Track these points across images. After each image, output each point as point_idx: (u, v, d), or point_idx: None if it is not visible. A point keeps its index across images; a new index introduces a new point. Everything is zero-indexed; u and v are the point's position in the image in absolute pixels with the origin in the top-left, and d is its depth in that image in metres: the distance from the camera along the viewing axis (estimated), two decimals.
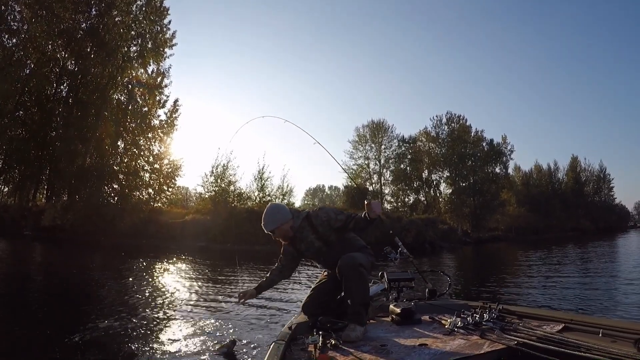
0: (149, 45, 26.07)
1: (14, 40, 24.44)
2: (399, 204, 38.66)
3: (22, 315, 4.97)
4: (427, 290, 2.97)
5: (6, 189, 27.59)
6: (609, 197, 60.67)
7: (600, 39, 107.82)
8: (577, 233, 43.32)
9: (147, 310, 5.33)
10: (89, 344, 3.76)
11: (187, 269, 11.11)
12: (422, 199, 38.94)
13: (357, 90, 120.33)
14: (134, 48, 26.04)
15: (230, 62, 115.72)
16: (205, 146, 76.79)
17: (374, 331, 2.36)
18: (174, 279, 8.81)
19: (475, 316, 2.27)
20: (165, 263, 12.18)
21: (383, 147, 38.72)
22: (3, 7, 23.67)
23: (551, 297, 6.91)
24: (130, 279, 8.25)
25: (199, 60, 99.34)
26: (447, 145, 37.34)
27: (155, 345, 3.83)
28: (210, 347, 3.65)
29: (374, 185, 38.35)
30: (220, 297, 6.46)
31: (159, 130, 26.04)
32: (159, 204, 25.33)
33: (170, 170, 25.86)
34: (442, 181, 38.48)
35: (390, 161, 38.87)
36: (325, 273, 2.81)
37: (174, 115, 26.49)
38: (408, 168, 38.71)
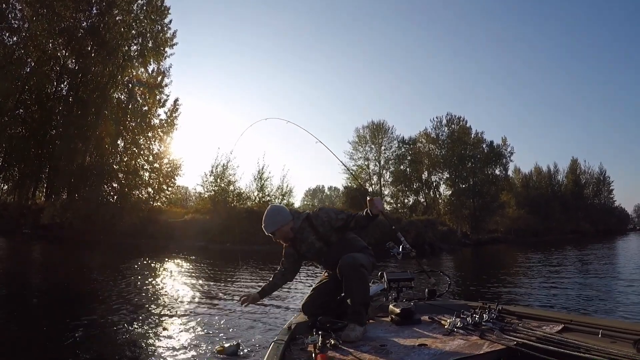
0: (150, 45, 26.07)
1: (15, 39, 24.40)
2: (399, 205, 38.67)
3: (21, 314, 4.97)
4: (426, 290, 2.96)
5: (6, 187, 27.55)
6: (608, 200, 60.85)
7: (601, 40, 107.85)
8: (577, 235, 43.38)
9: (146, 310, 5.33)
10: (88, 344, 3.76)
11: (187, 268, 11.11)
12: (422, 200, 38.95)
13: (357, 90, 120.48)
14: (135, 47, 26.06)
15: (230, 62, 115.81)
16: (205, 146, 76.95)
17: (373, 331, 2.35)
18: (174, 279, 8.81)
19: (475, 316, 2.26)
20: (164, 262, 12.18)
21: (383, 148, 38.83)
22: (4, 5, 23.65)
23: (551, 298, 6.93)
24: (130, 279, 8.25)
25: (199, 60, 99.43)
26: (447, 146, 37.39)
27: (155, 345, 3.83)
28: (212, 348, 3.64)
29: (373, 186, 38.34)
30: (220, 296, 6.46)
31: (159, 130, 26.01)
32: (159, 204, 25.35)
33: (170, 169, 25.84)
34: (441, 183, 38.59)
35: (390, 162, 38.97)
36: (326, 273, 2.80)
37: (174, 115, 26.50)
38: (408, 169, 38.73)
